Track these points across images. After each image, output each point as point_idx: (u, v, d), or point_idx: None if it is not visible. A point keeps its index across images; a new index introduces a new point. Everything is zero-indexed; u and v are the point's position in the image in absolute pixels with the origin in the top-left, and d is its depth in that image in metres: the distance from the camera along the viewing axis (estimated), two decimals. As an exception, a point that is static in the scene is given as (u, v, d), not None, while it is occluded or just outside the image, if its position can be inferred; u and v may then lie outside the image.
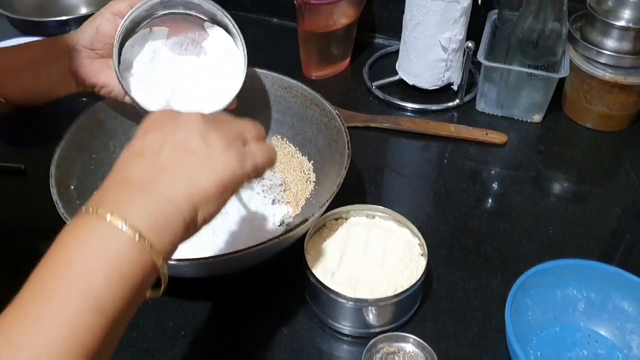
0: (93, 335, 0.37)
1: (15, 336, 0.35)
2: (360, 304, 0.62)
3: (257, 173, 0.50)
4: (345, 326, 0.65)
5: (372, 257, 0.66)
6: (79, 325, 0.36)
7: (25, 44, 0.80)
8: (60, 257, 0.39)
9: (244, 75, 0.73)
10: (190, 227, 0.44)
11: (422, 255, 0.67)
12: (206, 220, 0.46)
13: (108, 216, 0.39)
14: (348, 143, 0.71)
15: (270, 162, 0.51)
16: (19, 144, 0.92)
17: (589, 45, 0.86)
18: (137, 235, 0.39)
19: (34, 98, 0.79)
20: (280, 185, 0.79)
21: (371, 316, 0.63)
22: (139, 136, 0.47)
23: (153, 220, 0.40)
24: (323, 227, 0.69)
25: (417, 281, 0.63)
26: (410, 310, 0.66)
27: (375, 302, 0.62)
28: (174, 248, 0.43)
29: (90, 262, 0.38)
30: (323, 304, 0.64)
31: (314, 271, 0.63)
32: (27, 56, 0.76)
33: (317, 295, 0.64)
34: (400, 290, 0.62)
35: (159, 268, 0.41)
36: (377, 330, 0.64)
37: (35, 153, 0.89)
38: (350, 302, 0.62)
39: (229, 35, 0.75)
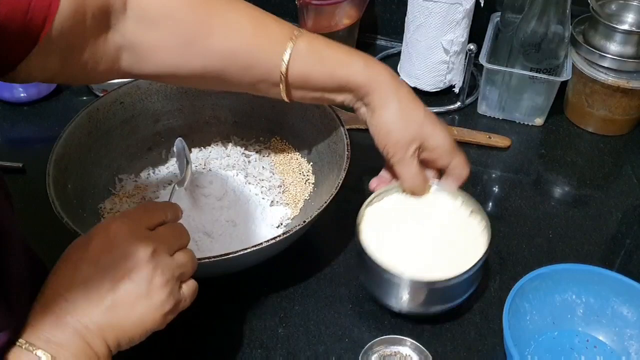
0: None
1: None
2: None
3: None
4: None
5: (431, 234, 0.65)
6: None
7: None
8: None
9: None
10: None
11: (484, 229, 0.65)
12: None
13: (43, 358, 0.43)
14: (348, 145, 0.71)
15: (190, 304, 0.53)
16: (18, 143, 0.92)
17: (592, 49, 0.86)
18: None
19: None
20: (279, 186, 0.79)
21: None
22: (86, 256, 0.47)
23: None
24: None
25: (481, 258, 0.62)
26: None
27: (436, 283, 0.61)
28: None
29: None
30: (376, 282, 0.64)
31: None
32: None
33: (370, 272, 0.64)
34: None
35: None
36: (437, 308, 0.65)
37: (34, 152, 0.89)
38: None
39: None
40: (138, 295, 0.47)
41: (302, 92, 0.66)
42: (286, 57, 0.62)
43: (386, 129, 0.66)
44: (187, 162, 0.72)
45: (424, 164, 0.68)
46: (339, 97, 0.67)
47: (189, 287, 0.52)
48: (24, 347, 0.43)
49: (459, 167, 0.68)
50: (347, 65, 0.65)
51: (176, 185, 0.69)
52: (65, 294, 0.45)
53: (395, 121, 0.65)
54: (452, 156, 0.67)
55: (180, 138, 0.74)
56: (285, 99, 0.67)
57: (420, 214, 0.67)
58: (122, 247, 0.47)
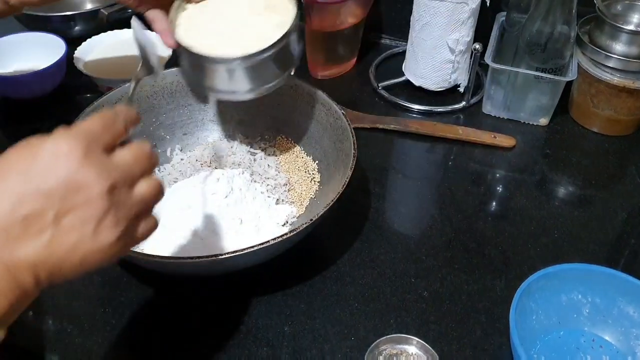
0: None
1: None
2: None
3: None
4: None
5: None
6: None
7: None
8: None
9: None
10: (34, 292, 0.41)
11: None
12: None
13: None
14: (354, 144, 0.70)
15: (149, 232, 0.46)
16: (19, 140, 0.92)
17: (598, 49, 0.86)
18: None
19: None
20: (284, 185, 0.79)
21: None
22: (28, 171, 0.40)
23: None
24: None
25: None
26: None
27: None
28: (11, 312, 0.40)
29: None
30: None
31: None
32: None
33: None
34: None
35: None
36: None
37: (40, 148, 0.89)
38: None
39: None
40: (83, 234, 0.41)
41: None
42: None
43: None
44: (144, 46, 0.62)
45: None
46: None
47: (146, 225, 0.45)
48: None
49: None
50: None
51: (138, 76, 0.62)
52: None
53: None
54: None
55: (134, 17, 0.64)
56: None
57: None
58: (74, 174, 0.40)
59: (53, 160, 0.40)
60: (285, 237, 0.61)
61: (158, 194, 0.46)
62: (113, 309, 0.67)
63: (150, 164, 0.46)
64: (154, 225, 0.46)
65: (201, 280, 0.70)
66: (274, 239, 0.60)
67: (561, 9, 0.83)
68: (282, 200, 0.77)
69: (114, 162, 0.43)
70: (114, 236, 0.42)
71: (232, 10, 0.70)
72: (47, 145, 0.41)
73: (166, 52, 0.93)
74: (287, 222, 0.74)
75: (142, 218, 0.45)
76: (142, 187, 0.45)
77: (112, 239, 0.42)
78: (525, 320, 0.63)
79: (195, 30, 0.69)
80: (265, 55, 0.66)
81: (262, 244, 0.60)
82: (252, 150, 0.83)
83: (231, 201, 0.73)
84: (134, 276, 0.70)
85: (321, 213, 0.63)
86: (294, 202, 0.77)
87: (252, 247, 0.60)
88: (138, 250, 0.64)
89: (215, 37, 0.68)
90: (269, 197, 0.77)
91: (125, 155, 0.44)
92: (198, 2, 0.70)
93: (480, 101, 0.96)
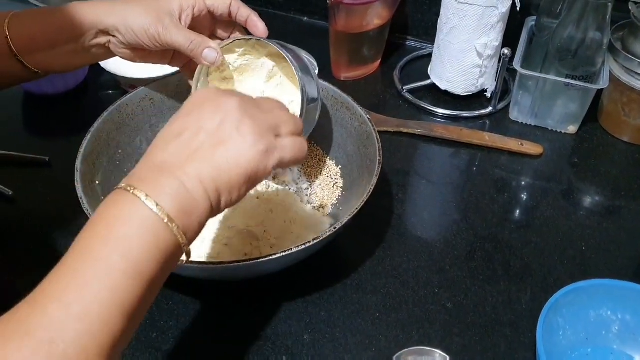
0: (132, 296, 0.41)
1: (65, 295, 0.39)
2: None
3: (282, 166, 0.52)
4: None
5: None
6: (120, 287, 0.40)
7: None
8: (102, 224, 0.43)
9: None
10: (215, 210, 0.47)
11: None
12: (228, 205, 0.48)
13: (143, 197, 0.43)
14: (380, 150, 0.69)
15: (297, 160, 0.53)
16: (44, 136, 0.92)
17: (631, 57, 0.84)
18: (167, 219, 0.43)
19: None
20: (306, 189, 0.78)
21: None
22: (180, 116, 0.49)
23: (182, 206, 0.44)
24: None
25: None
26: None
27: None
28: (200, 227, 0.47)
29: (129, 231, 0.42)
30: None
31: None
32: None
33: None
34: None
35: (183, 247, 0.45)
36: None
37: (60, 145, 0.89)
38: None
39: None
40: (229, 135, 0.47)
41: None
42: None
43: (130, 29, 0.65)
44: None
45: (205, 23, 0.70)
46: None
47: (290, 139, 0.52)
48: (123, 188, 0.44)
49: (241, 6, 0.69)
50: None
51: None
52: (160, 144, 0.48)
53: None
54: None
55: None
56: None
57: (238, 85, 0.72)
58: (210, 102, 0.49)
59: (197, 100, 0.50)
60: (309, 244, 0.59)
61: (297, 122, 0.54)
62: (132, 311, 0.67)
63: (278, 105, 0.55)
64: (299, 142, 0.52)
65: (220, 286, 0.69)
66: (298, 246, 0.59)
67: (594, 14, 0.81)
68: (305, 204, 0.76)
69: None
70: (256, 134, 0.48)
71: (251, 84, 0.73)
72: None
73: None
74: (308, 227, 0.73)
75: (283, 131, 0.51)
76: (275, 111, 0.52)
77: (255, 136, 0.48)
78: (552, 336, 0.61)
79: None
80: None
81: (284, 251, 0.59)
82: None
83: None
84: (153, 278, 0.70)
85: (344, 222, 0.62)
86: (316, 207, 0.76)
87: (274, 254, 0.59)
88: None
89: None
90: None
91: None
92: (218, 67, 0.69)
93: (507, 107, 0.95)
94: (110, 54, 0.69)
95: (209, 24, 0.71)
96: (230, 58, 0.70)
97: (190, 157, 0.46)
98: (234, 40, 0.68)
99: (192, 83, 0.70)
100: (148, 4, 0.65)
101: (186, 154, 0.46)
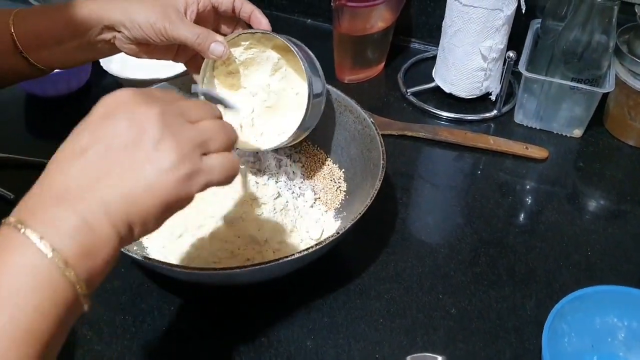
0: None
1: None
2: None
3: (208, 187, 0.44)
4: None
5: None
6: (10, 357, 0.34)
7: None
8: None
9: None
10: (126, 241, 0.41)
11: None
12: (143, 235, 0.42)
13: (36, 240, 0.36)
14: (383, 153, 0.68)
15: (227, 181, 0.46)
16: (46, 138, 0.92)
17: (637, 60, 0.83)
18: (64, 266, 0.36)
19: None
20: (309, 193, 0.77)
21: None
22: (87, 126, 0.42)
23: (83, 248, 0.37)
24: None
25: None
26: None
27: None
28: (108, 266, 0.40)
29: (18, 284, 0.36)
30: None
31: None
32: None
33: None
34: None
35: (82, 298, 0.38)
36: None
37: (63, 148, 0.88)
38: None
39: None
40: (144, 156, 0.40)
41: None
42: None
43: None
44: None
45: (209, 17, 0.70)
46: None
47: (218, 158, 0.44)
48: (13, 225, 0.37)
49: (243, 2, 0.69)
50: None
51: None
52: (61, 164, 0.40)
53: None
54: None
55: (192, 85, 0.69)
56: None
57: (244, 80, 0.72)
58: (125, 111, 0.41)
59: (104, 106, 0.43)
60: (312, 249, 0.59)
61: (227, 131, 0.46)
62: (133, 316, 0.66)
63: (209, 113, 0.46)
64: (229, 160, 0.45)
65: (223, 291, 0.69)
66: (299, 252, 0.59)
67: (600, 17, 0.80)
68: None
69: (169, 102, 0.44)
70: (174, 155, 0.41)
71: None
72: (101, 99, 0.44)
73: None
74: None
75: (212, 147, 0.44)
76: (205, 123, 0.45)
77: (173, 158, 0.41)
78: (557, 343, 0.60)
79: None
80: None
81: (287, 256, 0.58)
82: (277, 156, 0.81)
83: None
84: (155, 283, 0.69)
85: (348, 227, 0.61)
86: (318, 211, 0.75)
87: (277, 259, 0.58)
88: (162, 259, 0.63)
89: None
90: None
91: (183, 102, 0.45)
92: (224, 61, 0.69)
93: (511, 110, 0.94)
94: (115, 50, 0.68)
95: (213, 20, 0.71)
96: (236, 52, 0.70)
97: (95, 183, 0.39)
98: (240, 34, 0.68)
99: (198, 78, 0.70)
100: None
101: (91, 179, 0.39)
